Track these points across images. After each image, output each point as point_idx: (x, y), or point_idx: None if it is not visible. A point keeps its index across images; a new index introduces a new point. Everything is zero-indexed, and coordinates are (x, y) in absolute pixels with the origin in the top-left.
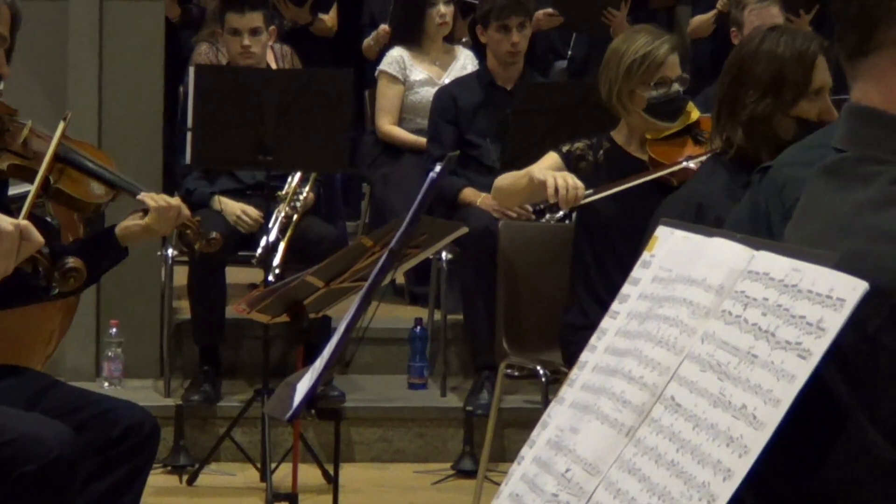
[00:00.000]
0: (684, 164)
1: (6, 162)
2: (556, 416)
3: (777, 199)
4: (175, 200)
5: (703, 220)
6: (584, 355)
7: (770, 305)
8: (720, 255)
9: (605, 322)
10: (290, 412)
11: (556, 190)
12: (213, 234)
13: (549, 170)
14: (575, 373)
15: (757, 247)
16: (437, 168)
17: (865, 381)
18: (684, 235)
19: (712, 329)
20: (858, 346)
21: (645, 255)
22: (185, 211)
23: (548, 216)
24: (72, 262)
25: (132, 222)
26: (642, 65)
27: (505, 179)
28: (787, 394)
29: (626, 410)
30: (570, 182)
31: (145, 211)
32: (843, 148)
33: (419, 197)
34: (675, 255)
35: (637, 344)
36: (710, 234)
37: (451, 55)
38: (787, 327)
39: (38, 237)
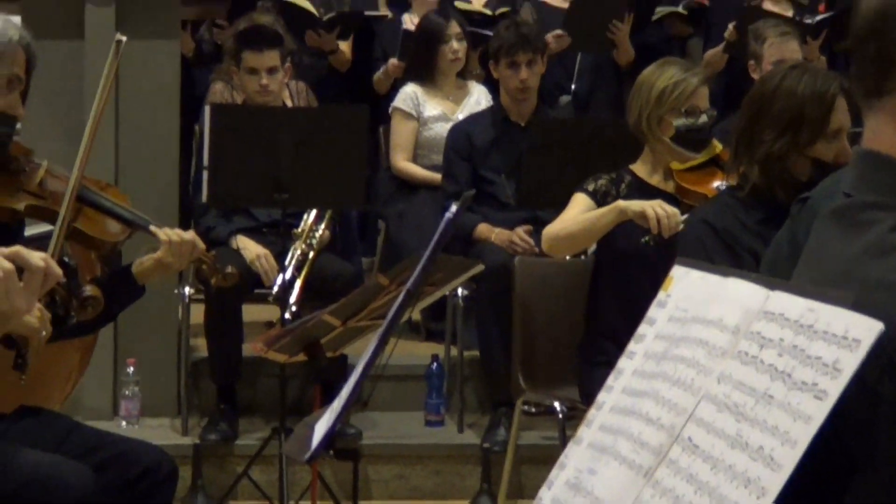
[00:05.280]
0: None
1: (23, 203)
2: (574, 456)
3: None
4: (189, 234)
5: (718, 238)
6: (602, 395)
7: (786, 346)
8: (736, 295)
9: (622, 362)
10: (309, 454)
11: (658, 220)
12: (230, 269)
13: (639, 201)
14: (592, 413)
15: (772, 287)
16: (453, 208)
17: (866, 432)
18: (700, 275)
19: (729, 370)
20: (858, 397)
21: (661, 295)
22: (200, 245)
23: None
24: (89, 290)
25: (147, 258)
26: (674, 91)
27: (569, 225)
28: (804, 435)
29: (644, 451)
30: (668, 210)
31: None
32: (850, 192)
33: (435, 238)
34: (690, 294)
35: (654, 384)
36: (725, 274)
37: (464, 90)
38: (804, 368)
39: (58, 270)
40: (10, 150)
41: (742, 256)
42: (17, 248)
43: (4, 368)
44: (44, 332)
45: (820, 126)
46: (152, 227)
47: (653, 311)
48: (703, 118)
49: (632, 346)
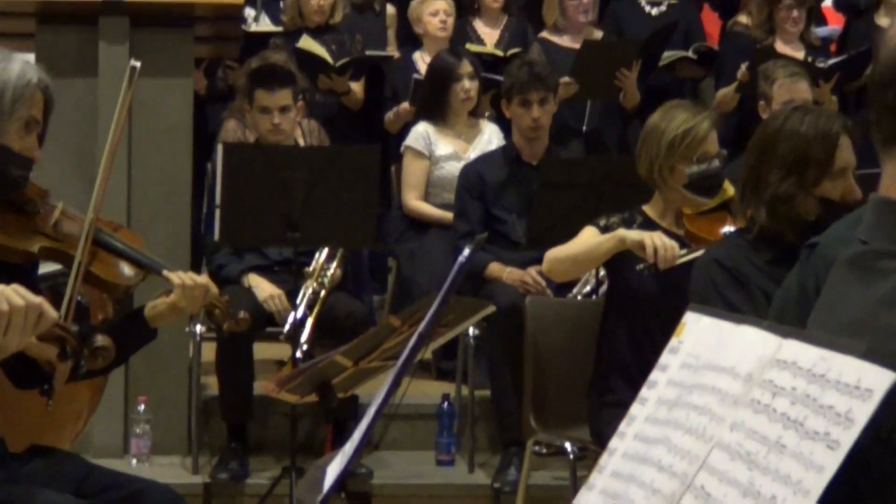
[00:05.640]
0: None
1: (38, 244)
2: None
3: (827, 275)
4: (202, 279)
5: (730, 276)
6: (614, 442)
7: (798, 395)
8: (748, 342)
9: (635, 408)
10: (321, 497)
11: (655, 250)
12: (242, 314)
13: (640, 230)
14: (605, 459)
15: (785, 335)
16: (466, 252)
17: (881, 482)
18: (712, 322)
19: (741, 418)
20: (872, 449)
21: (673, 342)
22: (213, 289)
23: (645, 272)
24: (100, 340)
25: (160, 301)
26: (684, 140)
27: (570, 249)
28: (816, 485)
29: (657, 499)
30: (666, 242)
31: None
32: (866, 239)
33: (448, 281)
34: (703, 341)
35: (666, 431)
36: (738, 321)
37: (475, 129)
38: (816, 417)
39: (52, 313)
40: (26, 192)
41: (754, 293)
42: (15, 287)
43: (15, 409)
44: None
45: (825, 165)
46: (166, 272)
47: (665, 358)
48: (715, 163)
49: (644, 392)
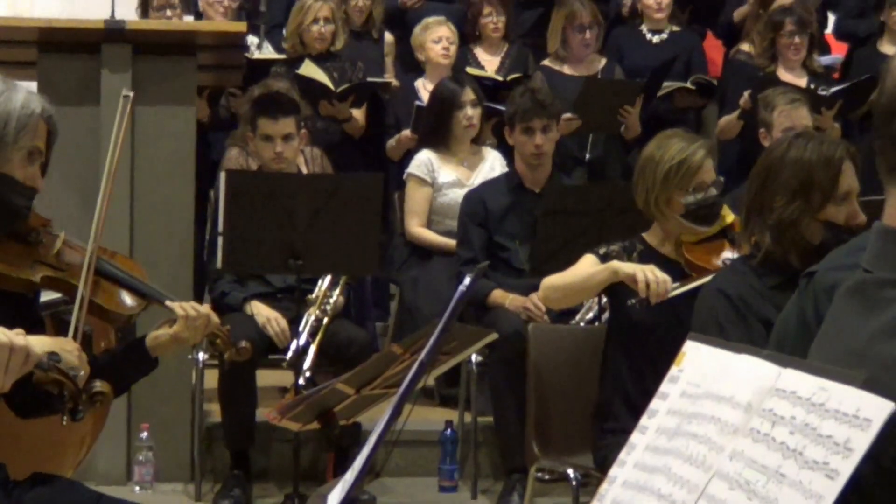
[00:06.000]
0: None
1: (40, 274)
2: None
3: (826, 302)
4: (204, 309)
5: (732, 307)
6: (614, 470)
7: (798, 424)
8: (748, 372)
9: (635, 437)
10: None
11: (647, 284)
12: (243, 344)
13: (633, 264)
14: (605, 487)
15: (784, 364)
16: (467, 280)
17: None
18: (712, 351)
19: (741, 447)
20: (872, 478)
21: (673, 370)
22: (215, 319)
23: (636, 307)
24: (98, 385)
25: (161, 332)
26: (679, 171)
27: (565, 278)
28: None
29: None
30: (659, 276)
31: (175, 320)
32: (870, 268)
33: (449, 310)
34: (702, 370)
35: (666, 460)
36: (737, 351)
37: (478, 156)
38: (815, 447)
39: (35, 355)
40: (29, 222)
41: (753, 327)
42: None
43: (17, 436)
44: (82, 372)
45: (829, 190)
46: (168, 302)
47: (665, 386)
48: (712, 191)
49: (644, 420)
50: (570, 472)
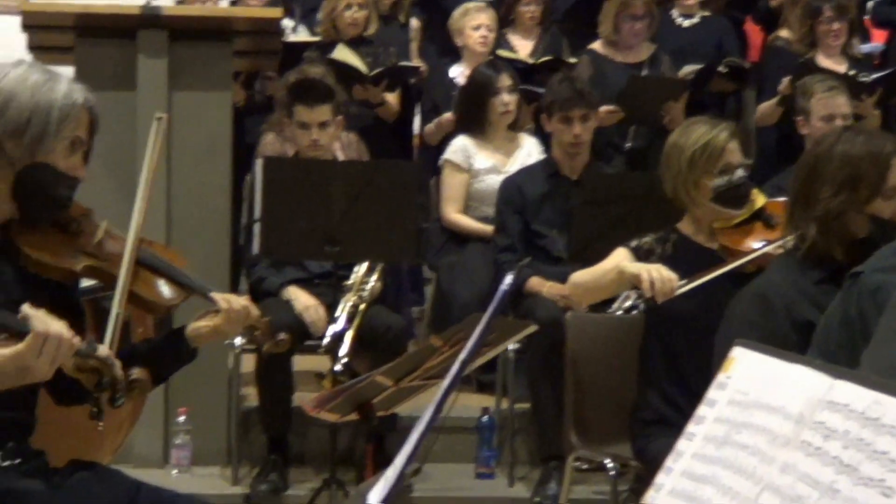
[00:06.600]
0: (763, 249)
1: (82, 264)
2: None
3: (871, 303)
4: (245, 301)
5: (769, 310)
6: (660, 478)
7: (851, 439)
8: (798, 382)
9: (682, 444)
10: None
11: (652, 283)
12: (282, 336)
13: (639, 263)
14: (651, 495)
15: (836, 376)
16: (508, 279)
17: None
18: (762, 358)
19: (792, 460)
20: None
21: (721, 377)
22: (255, 311)
23: (642, 305)
24: (136, 373)
25: (202, 323)
26: (704, 153)
27: (584, 275)
28: None
29: None
30: (664, 274)
31: (214, 311)
32: None
33: (491, 309)
34: (752, 378)
35: (715, 470)
36: (788, 359)
37: (515, 143)
38: (870, 463)
39: (76, 344)
40: (70, 211)
41: (786, 337)
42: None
43: (56, 423)
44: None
45: (877, 184)
46: (212, 294)
47: (713, 393)
48: (739, 173)
49: (691, 427)
50: (609, 462)
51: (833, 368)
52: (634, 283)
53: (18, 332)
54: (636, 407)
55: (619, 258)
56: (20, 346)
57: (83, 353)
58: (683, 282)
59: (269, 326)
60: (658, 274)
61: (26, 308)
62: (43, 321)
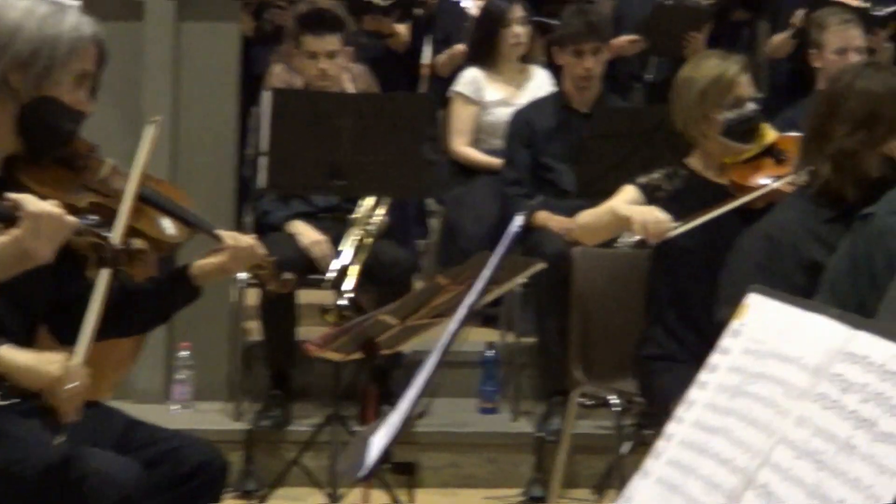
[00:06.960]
0: (771, 185)
1: (86, 200)
2: (641, 491)
3: (878, 246)
4: (251, 239)
5: (775, 252)
6: (671, 427)
7: (870, 392)
8: (816, 331)
9: (694, 393)
10: (365, 471)
11: (644, 226)
12: (287, 275)
13: (632, 205)
14: (662, 445)
15: (857, 326)
16: (519, 220)
17: None
18: (778, 306)
19: (808, 412)
20: None
21: (735, 324)
22: (261, 250)
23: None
24: (138, 243)
25: (207, 261)
26: (715, 86)
27: (588, 216)
28: (889, 491)
29: (717, 495)
30: (658, 216)
31: (220, 249)
32: None
33: (499, 252)
34: (767, 326)
35: (727, 422)
36: (805, 308)
37: (525, 75)
38: (889, 418)
39: (72, 221)
40: (75, 146)
41: (793, 276)
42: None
43: None
44: (69, 385)
45: (895, 124)
46: (218, 231)
47: (726, 341)
48: (750, 106)
49: (704, 375)
50: (613, 397)
51: (852, 318)
52: (626, 224)
53: (11, 217)
54: (641, 342)
55: (628, 196)
56: (17, 231)
57: (80, 230)
58: (678, 223)
59: (274, 266)
60: (651, 216)
61: (13, 194)
62: (34, 202)
